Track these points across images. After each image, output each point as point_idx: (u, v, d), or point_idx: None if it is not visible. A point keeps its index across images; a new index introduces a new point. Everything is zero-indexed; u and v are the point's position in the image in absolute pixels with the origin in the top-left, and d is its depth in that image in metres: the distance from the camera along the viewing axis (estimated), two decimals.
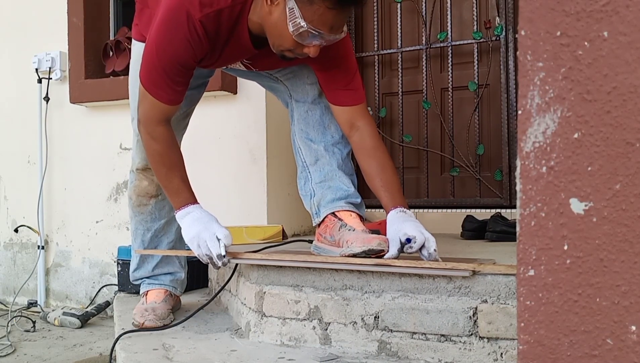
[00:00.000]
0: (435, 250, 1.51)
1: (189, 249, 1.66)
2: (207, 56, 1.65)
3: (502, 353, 1.35)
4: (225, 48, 1.66)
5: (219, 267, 1.64)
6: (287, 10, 1.49)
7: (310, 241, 1.95)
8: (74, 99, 3.23)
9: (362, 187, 1.84)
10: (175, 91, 1.65)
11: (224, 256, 1.60)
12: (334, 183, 1.81)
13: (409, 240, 1.51)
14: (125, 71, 3.09)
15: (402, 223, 1.56)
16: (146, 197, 1.95)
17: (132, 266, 2.03)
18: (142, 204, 1.96)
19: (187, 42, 1.56)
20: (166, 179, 1.69)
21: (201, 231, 1.61)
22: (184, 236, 1.65)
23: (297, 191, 1.92)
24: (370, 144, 1.74)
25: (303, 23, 1.47)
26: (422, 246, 1.51)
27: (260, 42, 1.64)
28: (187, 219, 1.65)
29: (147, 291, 1.98)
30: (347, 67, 1.75)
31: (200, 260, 1.63)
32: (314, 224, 1.85)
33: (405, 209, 1.64)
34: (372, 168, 1.73)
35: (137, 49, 1.89)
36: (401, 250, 1.53)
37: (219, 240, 1.60)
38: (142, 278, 2.02)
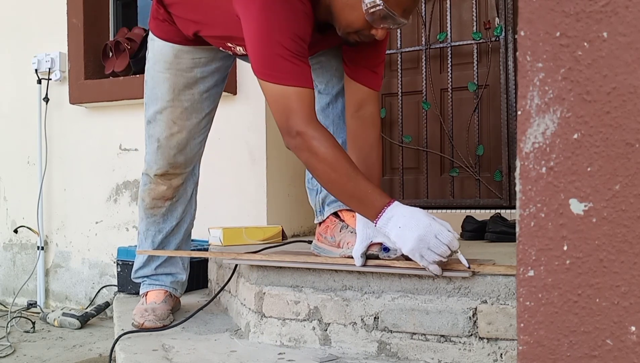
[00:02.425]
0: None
1: (192, 249, 1.64)
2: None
3: (501, 354, 1.35)
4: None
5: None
6: None
7: (310, 242, 1.95)
8: (74, 100, 3.23)
9: None
10: (309, 68, 1.44)
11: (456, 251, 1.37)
12: None
13: (386, 250, 1.47)
14: (125, 72, 3.10)
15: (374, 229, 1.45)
16: (162, 200, 1.93)
17: (137, 265, 2.03)
18: (156, 206, 1.93)
19: (306, 16, 1.45)
20: (349, 187, 1.41)
21: (430, 227, 1.34)
22: (402, 249, 1.38)
23: (297, 192, 1.92)
24: (370, 135, 1.67)
25: (379, 1, 1.41)
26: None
27: (318, 27, 1.56)
28: (393, 228, 1.37)
29: (147, 291, 1.98)
30: (380, 52, 1.68)
31: (430, 264, 1.36)
32: (315, 222, 1.84)
33: None
34: (362, 155, 1.65)
35: (158, 47, 1.81)
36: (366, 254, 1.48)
37: (449, 231, 1.36)
38: (144, 277, 2.01)
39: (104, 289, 3.18)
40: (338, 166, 1.40)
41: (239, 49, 1.68)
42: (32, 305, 3.25)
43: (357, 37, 1.52)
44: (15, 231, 3.46)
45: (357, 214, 1.56)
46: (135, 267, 2.04)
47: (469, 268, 1.38)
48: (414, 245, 1.34)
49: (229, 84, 2.81)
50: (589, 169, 0.62)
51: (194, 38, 1.74)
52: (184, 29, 1.74)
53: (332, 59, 1.77)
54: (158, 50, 1.82)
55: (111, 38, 3.32)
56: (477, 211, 2.87)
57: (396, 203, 1.40)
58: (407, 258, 1.50)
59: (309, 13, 1.47)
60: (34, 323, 2.87)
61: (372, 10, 1.43)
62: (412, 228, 1.34)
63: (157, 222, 1.96)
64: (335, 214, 1.75)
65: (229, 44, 1.70)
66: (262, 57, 1.43)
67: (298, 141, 1.42)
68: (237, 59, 1.95)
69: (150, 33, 1.86)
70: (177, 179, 1.92)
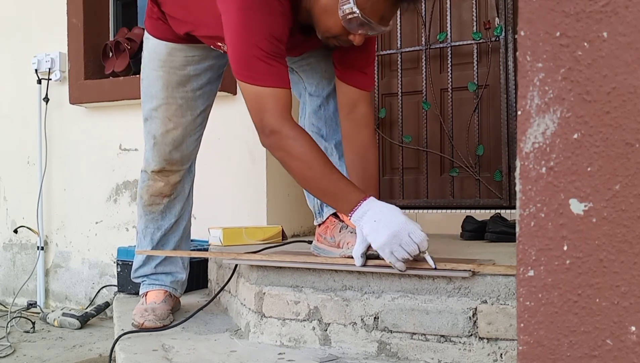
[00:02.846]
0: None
1: (192, 249, 1.64)
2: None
3: (502, 354, 1.35)
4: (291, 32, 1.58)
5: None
6: None
7: (310, 242, 1.95)
8: (74, 100, 3.23)
9: None
10: (285, 68, 1.47)
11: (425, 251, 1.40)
12: None
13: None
14: (125, 72, 3.10)
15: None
16: (160, 197, 1.94)
17: (137, 264, 2.03)
18: (155, 203, 1.95)
19: (283, 16, 1.47)
20: (323, 183, 1.45)
21: (403, 226, 1.37)
22: (372, 244, 1.40)
23: (297, 192, 1.92)
24: (364, 135, 1.68)
25: (355, 9, 1.41)
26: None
27: (302, 28, 1.58)
28: (368, 222, 1.40)
29: (147, 291, 1.98)
30: (369, 53, 1.69)
31: (398, 261, 1.39)
32: (315, 224, 1.85)
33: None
34: (358, 157, 1.67)
35: (153, 45, 1.83)
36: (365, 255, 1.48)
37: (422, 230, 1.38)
38: (144, 276, 2.01)
39: (103, 289, 3.18)
40: (312, 164, 1.44)
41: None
42: (32, 305, 3.25)
43: (336, 41, 1.54)
44: (15, 231, 3.46)
45: None
46: (134, 266, 2.04)
47: (435, 269, 1.41)
48: (387, 240, 1.36)
49: (228, 84, 2.81)
50: (589, 169, 0.62)
51: (187, 37, 1.76)
52: (176, 28, 1.76)
53: (322, 61, 1.79)
54: (152, 48, 1.84)
55: (111, 38, 3.32)
56: (477, 211, 2.87)
57: (372, 198, 1.43)
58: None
59: (286, 13, 1.48)
60: (33, 323, 2.87)
61: (348, 17, 1.44)
62: (388, 224, 1.37)
63: (156, 219, 1.97)
64: (335, 214, 1.75)
65: (219, 44, 1.71)
66: (239, 58, 1.46)
67: (272, 140, 1.46)
68: None
69: (145, 32, 1.88)
70: (174, 176, 1.93)
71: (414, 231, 1.37)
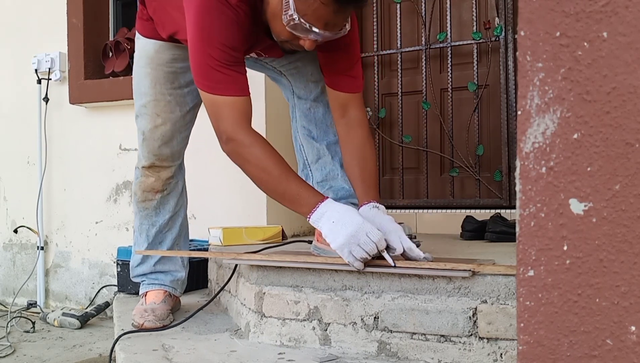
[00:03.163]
0: (424, 257, 1.47)
1: (192, 249, 1.65)
2: (248, 40, 1.57)
3: (501, 354, 1.35)
4: (250, 34, 1.60)
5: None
6: (283, 0, 1.45)
7: (310, 242, 1.95)
8: (74, 100, 3.23)
9: None
10: (242, 76, 1.51)
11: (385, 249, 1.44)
12: (335, 183, 1.81)
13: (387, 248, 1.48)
14: (125, 72, 3.10)
15: (378, 226, 1.49)
16: (152, 192, 1.96)
17: (134, 262, 2.03)
18: (148, 199, 1.96)
19: (236, 24, 1.49)
20: (281, 187, 1.49)
21: (360, 226, 1.40)
22: (330, 244, 1.44)
23: None
24: (358, 136, 1.70)
25: (295, 16, 1.43)
26: (404, 251, 1.47)
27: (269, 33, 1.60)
28: (326, 223, 1.43)
29: (147, 292, 1.98)
30: (351, 54, 1.70)
31: (356, 260, 1.42)
32: None
33: (378, 206, 1.61)
34: (354, 158, 1.69)
35: (142, 44, 1.88)
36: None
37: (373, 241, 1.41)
38: (143, 274, 2.02)
39: (103, 289, 3.18)
40: (268, 170, 1.50)
41: None
42: (32, 305, 3.25)
43: (290, 45, 1.55)
44: (15, 231, 3.46)
45: None
46: (132, 264, 2.04)
47: (394, 266, 1.44)
48: (346, 240, 1.40)
49: None
50: (589, 169, 0.62)
51: (172, 39, 1.81)
52: (160, 31, 1.81)
53: (308, 65, 1.81)
54: (142, 47, 1.88)
55: (111, 38, 3.33)
56: (477, 211, 2.87)
57: (329, 200, 1.47)
58: (407, 258, 1.50)
59: (242, 21, 1.50)
60: (34, 323, 2.87)
61: (290, 24, 1.45)
62: (346, 224, 1.41)
63: (150, 216, 1.98)
64: None
65: None
66: (196, 67, 1.51)
67: (230, 147, 1.53)
68: None
69: (136, 32, 1.93)
70: (165, 171, 1.95)
71: (371, 230, 1.40)
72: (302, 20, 1.43)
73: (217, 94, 1.50)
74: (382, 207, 1.62)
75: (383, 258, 1.49)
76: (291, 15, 1.44)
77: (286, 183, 1.49)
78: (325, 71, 1.73)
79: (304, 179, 1.77)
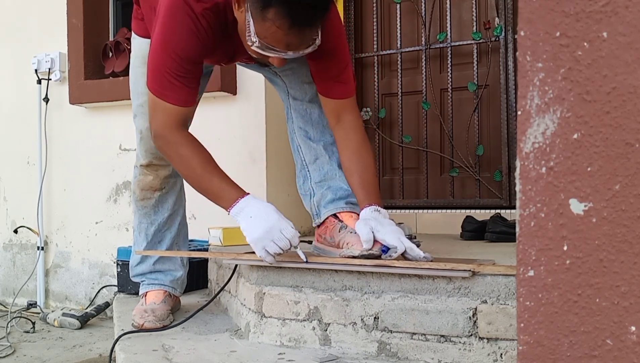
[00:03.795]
0: (424, 256, 1.49)
1: (192, 250, 1.66)
2: (215, 51, 1.62)
3: (502, 354, 1.35)
4: (227, 43, 1.63)
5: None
6: (246, 21, 1.46)
7: (310, 242, 1.95)
8: (74, 100, 3.23)
9: None
10: (190, 89, 1.59)
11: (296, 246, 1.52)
12: (333, 183, 1.81)
13: (385, 250, 1.50)
14: (125, 72, 3.10)
15: (378, 225, 1.54)
16: (150, 191, 1.96)
17: (134, 262, 2.04)
18: (146, 198, 1.97)
19: (194, 35, 1.53)
20: (204, 183, 1.60)
21: (275, 223, 1.49)
22: (246, 238, 1.52)
23: (297, 191, 1.92)
24: (355, 141, 1.72)
25: (255, 38, 1.45)
26: (405, 251, 1.49)
27: None
28: (244, 218, 1.52)
29: (147, 292, 1.98)
30: (339, 59, 1.71)
31: (269, 255, 1.51)
32: (314, 225, 1.85)
33: (379, 209, 1.63)
34: (352, 164, 1.71)
35: (137, 43, 1.89)
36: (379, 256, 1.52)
37: (293, 228, 1.51)
38: (142, 274, 2.02)
39: (103, 289, 3.18)
40: (192, 166, 1.60)
41: None
42: (32, 305, 3.25)
43: (263, 60, 1.57)
44: (15, 231, 3.46)
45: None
46: (132, 264, 2.05)
47: (306, 261, 1.54)
48: (261, 235, 1.49)
49: (228, 84, 2.81)
50: (589, 169, 0.62)
51: None
52: (150, 30, 1.81)
53: (303, 66, 1.82)
54: (137, 46, 1.89)
55: (111, 38, 3.32)
56: (477, 211, 2.87)
57: (250, 196, 1.56)
58: (407, 258, 1.50)
59: (202, 32, 1.54)
60: (34, 323, 2.87)
61: (254, 45, 1.47)
62: (262, 220, 1.49)
63: (148, 214, 1.98)
64: (334, 215, 1.76)
65: None
66: (150, 68, 1.59)
67: (159, 143, 1.64)
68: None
69: (132, 32, 1.94)
70: (163, 170, 1.95)
71: (286, 227, 1.49)
72: (262, 42, 1.45)
73: (159, 98, 1.58)
74: (383, 211, 1.63)
75: (375, 257, 1.51)
76: (251, 37, 1.46)
77: (209, 179, 1.59)
78: (315, 79, 1.75)
79: (301, 179, 1.85)
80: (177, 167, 1.66)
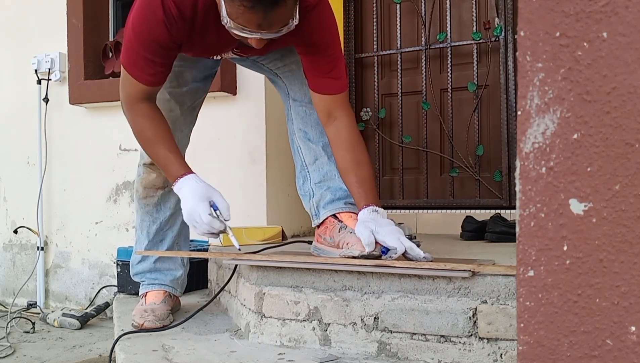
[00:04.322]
0: (424, 256, 1.49)
1: (192, 250, 1.66)
2: (187, 39, 1.64)
3: (502, 354, 1.35)
4: (208, 33, 1.64)
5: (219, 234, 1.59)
6: (219, 2, 1.47)
7: (310, 242, 1.95)
8: (74, 100, 3.23)
9: None
10: (155, 71, 1.65)
11: (223, 230, 1.58)
12: (333, 183, 1.81)
13: (385, 251, 1.50)
14: None
15: (377, 227, 1.54)
16: (153, 189, 1.97)
17: (135, 260, 2.04)
18: (149, 196, 1.98)
19: (162, 22, 1.56)
20: (153, 153, 1.70)
21: (194, 207, 1.57)
22: (182, 209, 1.61)
23: (297, 192, 1.93)
24: (347, 137, 1.71)
25: (227, 20, 1.45)
26: (405, 251, 1.49)
27: None
28: (182, 195, 1.62)
29: (147, 292, 1.99)
30: (330, 55, 1.70)
31: (204, 236, 1.61)
32: (313, 226, 1.85)
33: (377, 209, 1.62)
34: (346, 161, 1.70)
35: None
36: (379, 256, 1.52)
37: (216, 212, 1.58)
38: (143, 272, 2.02)
39: (103, 289, 3.17)
40: (145, 137, 1.70)
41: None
42: (32, 305, 3.25)
43: (245, 42, 1.56)
44: (15, 231, 3.46)
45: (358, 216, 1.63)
46: (132, 262, 2.05)
47: (239, 250, 1.61)
48: (186, 217, 1.59)
49: (229, 84, 2.81)
50: (589, 169, 0.62)
51: None
52: None
53: (301, 68, 1.81)
54: None
55: (111, 38, 3.32)
56: (477, 211, 2.87)
57: (189, 177, 1.63)
58: (407, 258, 1.50)
59: (172, 19, 1.56)
60: (33, 323, 2.87)
61: (227, 26, 1.48)
62: (187, 202, 1.59)
63: (151, 212, 1.99)
64: (334, 216, 1.76)
65: None
66: (125, 52, 1.65)
67: (123, 109, 1.73)
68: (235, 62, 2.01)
69: None
70: None
71: (202, 212, 1.56)
72: (234, 23, 1.45)
73: (129, 73, 1.65)
74: (381, 210, 1.62)
75: (375, 258, 1.51)
76: (224, 18, 1.46)
77: (156, 151, 1.68)
78: (307, 75, 1.74)
79: (301, 179, 1.86)
80: (135, 135, 1.72)
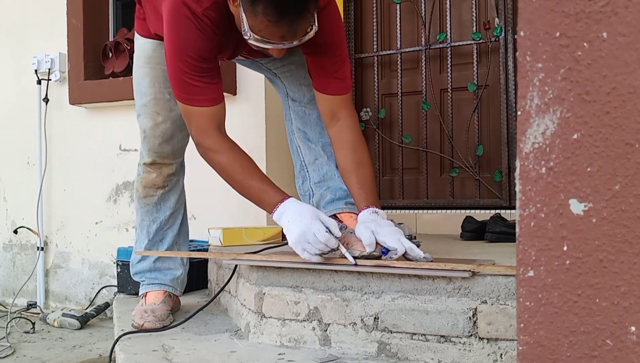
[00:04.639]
0: (424, 257, 1.49)
1: (192, 250, 1.66)
2: (224, 46, 1.63)
3: (501, 354, 1.35)
4: (233, 36, 1.63)
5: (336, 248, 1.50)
6: (240, 16, 1.47)
7: None
8: (74, 100, 3.23)
9: None
10: (212, 86, 1.61)
11: (337, 247, 1.50)
12: (332, 183, 1.81)
13: (385, 252, 1.50)
14: (125, 73, 3.10)
15: (378, 227, 1.54)
16: (153, 188, 1.97)
17: (134, 260, 2.04)
18: (149, 195, 1.98)
19: (200, 33, 1.54)
20: (245, 190, 1.62)
21: (308, 226, 1.48)
22: (289, 240, 1.53)
23: (297, 192, 1.93)
24: (350, 138, 1.71)
25: (250, 33, 1.46)
26: (405, 252, 1.49)
27: None
28: (288, 218, 1.53)
29: (147, 292, 1.99)
30: (336, 55, 1.71)
31: (308, 255, 1.51)
32: None
33: (377, 210, 1.62)
34: (348, 162, 1.70)
35: (140, 43, 1.90)
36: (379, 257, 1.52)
37: (327, 231, 1.48)
38: (142, 272, 2.02)
39: (103, 289, 3.17)
40: (231, 173, 1.62)
41: None
42: (31, 305, 3.25)
43: (264, 51, 1.57)
44: (15, 231, 3.46)
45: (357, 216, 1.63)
46: (132, 261, 2.05)
47: (355, 264, 1.51)
48: (297, 239, 1.49)
49: (229, 84, 2.81)
50: (588, 169, 0.62)
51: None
52: (152, 29, 1.83)
53: (300, 68, 1.83)
54: (140, 47, 1.90)
55: (111, 38, 3.32)
56: (477, 211, 2.87)
57: (290, 200, 1.56)
58: (407, 259, 1.50)
59: (207, 30, 1.55)
60: (33, 323, 2.87)
61: (249, 40, 1.48)
62: (297, 224, 1.50)
63: (151, 212, 1.99)
64: (334, 216, 1.76)
65: None
66: (172, 78, 1.61)
67: (200, 151, 1.66)
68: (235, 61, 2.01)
69: (135, 32, 1.95)
70: (166, 168, 1.97)
71: (319, 231, 1.48)
72: (257, 37, 1.46)
73: (189, 104, 1.60)
74: (381, 212, 1.62)
75: (375, 258, 1.52)
76: (246, 32, 1.47)
77: (249, 185, 1.60)
78: (313, 75, 1.75)
79: (300, 179, 1.85)
80: (217, 172, 1.66)
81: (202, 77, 1.58)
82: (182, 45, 1.55)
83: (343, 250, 1.52)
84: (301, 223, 1.49)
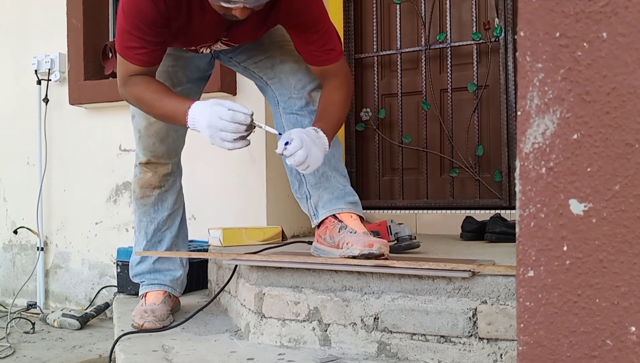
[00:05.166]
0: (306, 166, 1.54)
1: (192, 250, 1.65)
2: (176, 17, 1.63)
3: (501, 354, 1.35)
4: (195, 16, 1.64)
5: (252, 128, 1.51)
6: None
7: (310, 243, 1.95)
8: (73, 101, 3.23)
9: (359, 187, 1.84)
10: (149, 51, 1.64)
11: (251, 116, 1.50)
12: (330, 184, 1.80)
13: (287, 144, 1.53)
14: None
15: (305, 136, 1.56)
16: (149, 188, 1.98)
17: (134, 261, 2.04)
18: (146, 195, 1.98)
19: (151, 4, 1.56)
20: (159, 110, 1.64)
21: (211, 114, 1.49)
22: (204, 135, 1.52)
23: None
24: (336, 84, 1.74)
25: None
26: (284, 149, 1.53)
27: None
28: (195, 124, 1.54)
29: (146, 292, 1.99)
30: (319, 30, 1.71)
31: (231, 143, 1.50)
32: (313, 226, 1.85)
33: (318, 130, 1.62)
34: (321, 102, 1.74)
35: None
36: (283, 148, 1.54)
37: (230, 110, 1.49)
38: (142, 273, 2.02)
39: (103, 290, 3.17)
40: (145, 100, 1.66)
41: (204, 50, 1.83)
42: (31, 305, 3.25)
43: (229, 16, 1.55)
44: (15, 232, 3.46)
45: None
46: (132, 263, 2.05)
47: (279, 134, 1.55)
48: (208, 132, 1.50)
49: (228, 84, 2.81)
50: (588, 169, 0.62)
51: None
52: None
53: (290, 77, 1.84)
54: None
55: (111, 39, 3.32)
56: (477, 211, 2.87)
57: (194, 104, 1.56)
58: (407, 259, 1.50)
59: (159, 4, 1.56)
60: (33, 324, 2.87)
61: (212, 2, 1.48)
62: (202, 117, 1.51)
63: (148, 212, 1.99)
64: (334, 216, 1.76)
65: (192, 48, 1.81)
66: (118, 36, 1.66)
67: (121, 92, 1.72)
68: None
69: None
70: (162, 168, 1.97)
71: (221, 112, 1.48)
72: None
73: (121, 56, 1.65)
74: (321, 133, 1.62)
75: (375, 257, 1.50)
76: None
77: (159, 104, 1.62)
78: (300, 51, 1.76)
79: (296, 183, 1.86)
80: (138, 107, 1.72)
81: (144, 40, 1.61)
82: (132, 7, 1.57)
83: (258, 123, 1.51)
84: (204, 114, 1.50)
